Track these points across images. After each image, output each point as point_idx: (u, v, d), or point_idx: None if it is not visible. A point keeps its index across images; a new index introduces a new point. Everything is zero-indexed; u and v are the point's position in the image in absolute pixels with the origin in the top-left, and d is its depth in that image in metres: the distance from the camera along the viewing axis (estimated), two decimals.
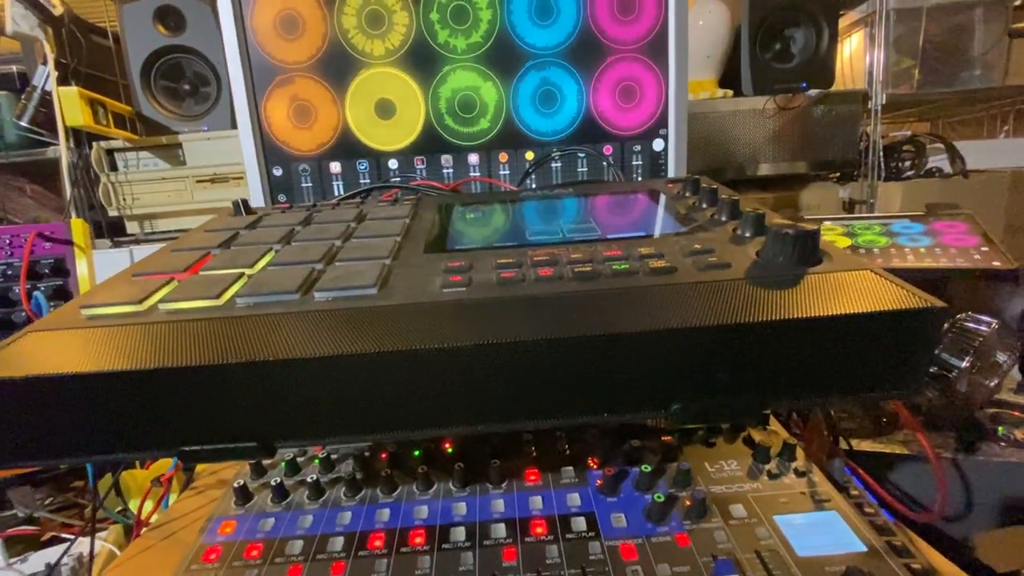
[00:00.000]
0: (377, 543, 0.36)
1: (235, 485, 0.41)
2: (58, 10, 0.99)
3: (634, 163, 0.60)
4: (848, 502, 0.38)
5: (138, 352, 0.24)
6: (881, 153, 1.13)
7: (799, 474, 0.40)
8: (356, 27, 0.56)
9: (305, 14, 0.56)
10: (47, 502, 0.75)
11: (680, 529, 0.36)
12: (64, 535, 0.61)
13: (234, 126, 1.11)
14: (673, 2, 0.56)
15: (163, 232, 1.12)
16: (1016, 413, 0.64)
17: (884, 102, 1.10)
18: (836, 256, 0.29)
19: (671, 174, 0.60)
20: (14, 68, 1.07)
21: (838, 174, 1.23)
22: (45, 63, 1.02)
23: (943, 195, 1.06)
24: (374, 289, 0.28)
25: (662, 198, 0.42)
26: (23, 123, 1.00)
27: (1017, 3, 1.13)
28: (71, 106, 0.89)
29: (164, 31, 1.06)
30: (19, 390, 0.23)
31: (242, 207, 0.44)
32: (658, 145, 0.60)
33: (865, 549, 0.34)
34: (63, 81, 1.02)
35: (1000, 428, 0.62)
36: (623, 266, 0.28)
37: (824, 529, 0.36)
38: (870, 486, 0.46)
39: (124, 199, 1.07)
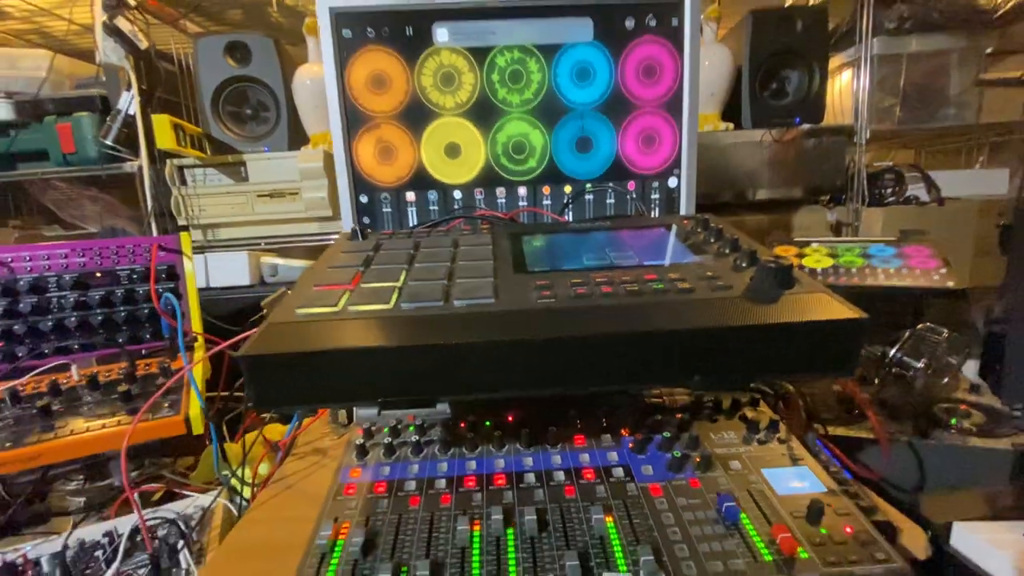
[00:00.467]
0: (471, 483, 0.50)
1: (356, 443, 0.55)
2: (143, 44, 1.13)
3: (653, 197, 0.74)
4: (817, 462, 0.51)
5: (345, 337, 0.37)
6: (865, 181, 1.27)
7: (781, 442, 0.54)
8: (432, 85, 0.70)
9: (392, 74, 0.70)
10: (133, 474, 0.88)
11: (693, 476, 0.49)
12: (185, 492, 0.74)
13: (291, 148, 1.25)
14: (688, 70, 0.70)
15: (224, 240, 1.25)
16: (964, 407, 0.78)
17: (868, 137, 1.25)
18: (804, 282, 0.43)
19: (683, 206, 0.73)
20: (96, 92, 1.21)
21: (827, 199, 1.37)
22: (128, 89, 1.16)
23: (920, 221, 1.20)
24: (492, 299, 0.41)
25: (680, 233, 0.56)
26: (107, 142, 1.14)
27: (989, 51, 1.27)
28: (162, 130, 1.02)
29: (232, 63, 1.20)
30: (282, 361, 0.36)
31: (359, 234, 0.58)
32: (672, 182, 0.74)
33: (826, 490, 0.47)
34: (144, 106, 1.16)
35: (953, 419, 0.76)
36: (659, 286, 0.42)
37: (798, 477, 0.49)
38: (836, 454, 0.60)
39: (192, 210, 1.21)
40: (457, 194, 0.73)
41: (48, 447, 0.59)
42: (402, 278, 0.46)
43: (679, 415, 0.57)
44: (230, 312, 0.99)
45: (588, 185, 0.73)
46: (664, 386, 0.37)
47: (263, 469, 0.67)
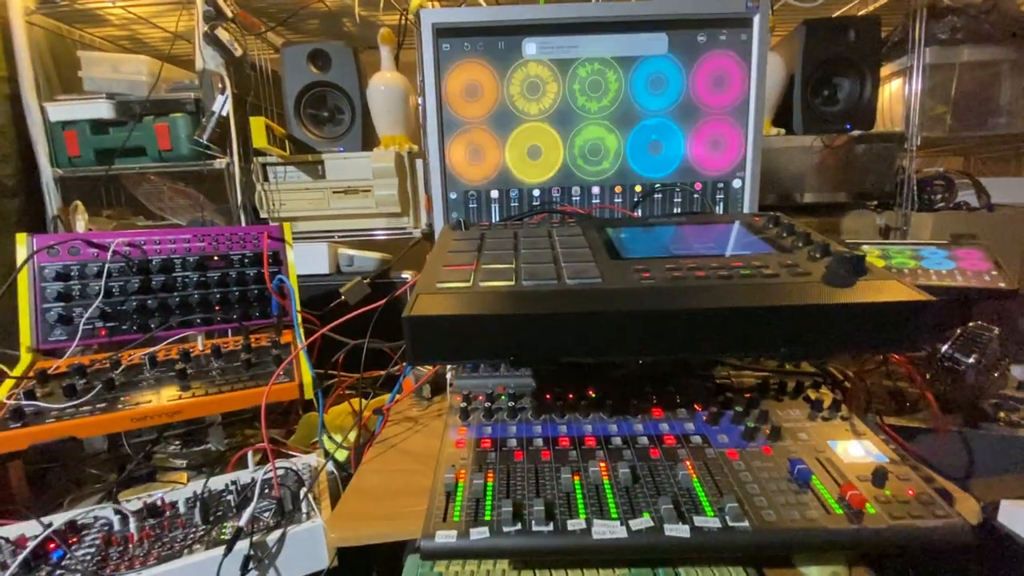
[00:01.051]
0: (565, 443, 0.57)
1: (459, 406, 0.62)
2: (239, 52, 1.24)
3: (718, 197, 0.80)
4: (877, 437, 0.57)
5: (486, 306, 0.45)
6: (915, 187, 1.30)
7: (843, 419, 0.59)
8: (519, 93, 0.78)
9: (483, 83, 0.77)
10: (226, 441, 0.98)
11: (765, 444, 0.55)
12: (290, 453, 0.83)
13: (364, 148, 1.34)
14: (755, 80, 0.76)
15: (301, 232, 1.35)
16: (1013, 403, 0.81)
17: (919, 143, 1.27)
18: (875, 271, 0.49)
19: (746, 206, 0.79)
20: (192, 95, 1.33)
21: (875, 203, 1.40)
22: (223, 92, 1.27)
23: (969, 226, 1.23)
24: (599, 280, 0.48)
25: (753, 228, 0.62)
26: (203, 141, 1.25)
27: None
28: (258, 131, 1.13)
29: (314, 69, 1.30)
30: (438, 322, 0.44)
31: (463, 224, 0.66)
32: (736, 184, 0.80)
33: (888, 460, 0.53)
34: (236, 108, 1.27)
35: (1001, 413, 0.80)
36: (746, 271, 0.48)
37: (861, 448, 0.55)
38: (892, 436, 0.65)
39: (273, 204, 1.32)
40: (536, 192, 0.80)
41: (188, 404, 0.68)
42: (514, 261, 0.54)
43: (748, 394, 0.63)
44: (310, 297, 1.08)
45: (657, 185, 0.79)
46: (754, 356, 0.43)
47: (353, 437, 0.75)
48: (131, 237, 0.82)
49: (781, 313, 0.43)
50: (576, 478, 0.51)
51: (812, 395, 0.63)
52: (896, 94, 1.43)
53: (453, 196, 0.80)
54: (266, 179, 1.32)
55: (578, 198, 0.80)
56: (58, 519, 0.65)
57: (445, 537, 0.45)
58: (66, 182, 1.41)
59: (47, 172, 1.38)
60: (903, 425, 0.77)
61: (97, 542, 0.62)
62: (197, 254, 0.85)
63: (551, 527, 0.46)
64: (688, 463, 0.52)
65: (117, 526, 0.64)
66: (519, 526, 0.46)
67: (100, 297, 0.78)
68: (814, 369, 0.68)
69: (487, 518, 0.47)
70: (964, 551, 0.44)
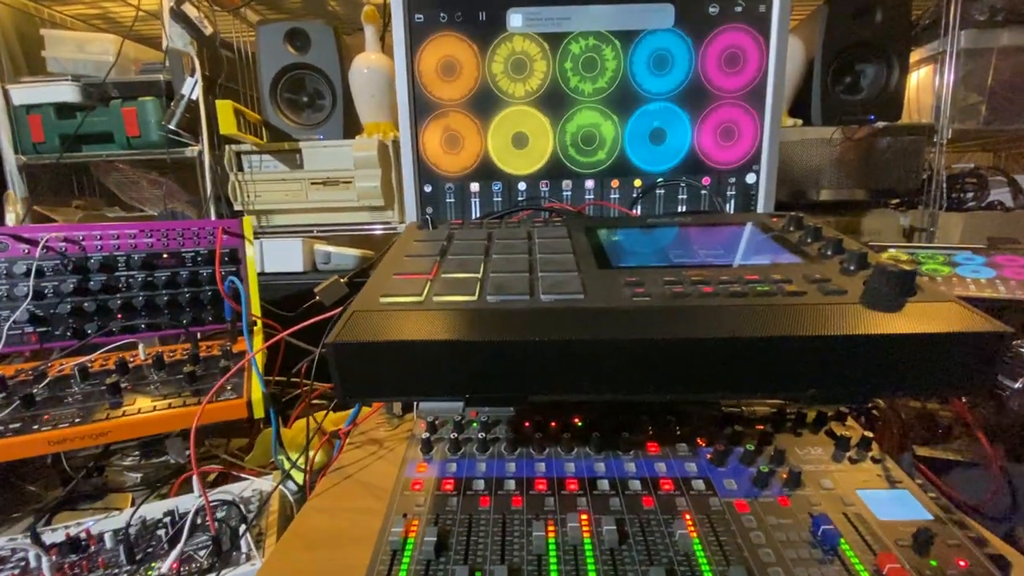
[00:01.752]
0: (542, 486, 0.47)
1: (420, 437, 0.53)
2: (208, 31, 1.14)
3: (728, 193, 0.70)
4: (916, 485, 0.47)
5: (437, 329, 0.35)
6: (944, 184, 1.19)
7: (875, 461, 0.50)
8: (503, 72, 0.68)
9: (462, 60, 0.68)
10: (186, 452, 0.89)
11: (781, 494, 0.46)
12: (243, 475, 0.74)
13: (346, 136, 1.25)
14: (774, 59, 0.66)
15: (278, 226, 1.26)
16: None
17: (950, 136, 1.16)
18: (928, 289, 0.39)
19: (761, 204, 0.69)
20: (161, 77, 1.23)
21: (898, 202, 1.29)
22: (192, 74, 1.18)
23: (1003, 228, 1.12)
24: (581, 295, 0.39)
25: (771, 231, 0.52)
26: (171, 127, 1.16)
27: None
28: (225, 115, 1.04)
29: (292, 50, 1.20)
30: (371, 351, 0.35)
31: (429, 223, 0.56)
32: (751, 178, 0.70)
33: (932, 518, 0.43)
34: (207, 92, 1.17)
35: None
36: (765, 288, 0.39)
37: (898, 502, 0.45)
38: (930, 479, 0.55)
39: (248, 196, 1.23)
40: (522, 186, 0.71)
41: (116, 424, 0.60)
42: (482, 270, 0.44)
43: (760, 427, 0.54)
44: (282, 297, 0.99)
45: (660, 179, 0.69)
46: (775, 398, 0.34)
47: (320, 457, 0.67)
48: (68, 231, 0.74)
49: (811, 345, 0.33)
50: (551, 535, 0.42)
51: (837, 430, 0.53)
52: (925, 82, 1.32)
53: (428, 189, 0.71)
54: (240, 169, 1.23)
55: (569, 193, 0.71)
56: None
57: None
58: (32, 170, 1.32)
59: (10, 159, 1.29)
60: (937, 458, 0.67)
61: None
62: (144, 251, 0.76)
63: None
64: (688, 517, 0.43)
65: (32, 563, 0.56)
66: None
67: (29, 299, 0.69)
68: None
69: None
70: None
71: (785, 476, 0.47)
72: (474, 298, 0.39)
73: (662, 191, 0.70)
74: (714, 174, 0.70)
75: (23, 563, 0.57)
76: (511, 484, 0.48)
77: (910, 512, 0.44)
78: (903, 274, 0.37)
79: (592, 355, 0.34)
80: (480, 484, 0.48)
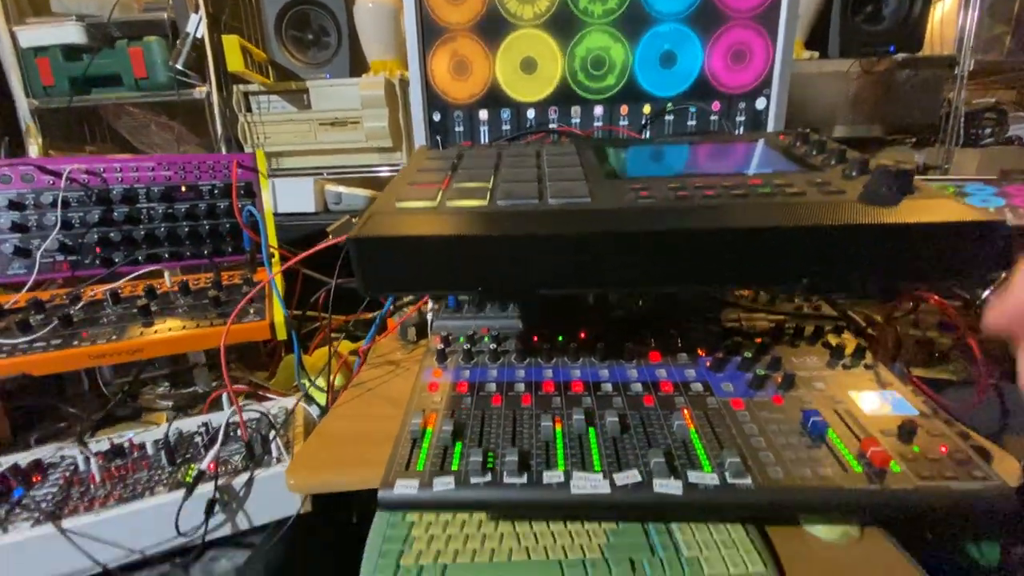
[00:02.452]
0: (549, 388, 0.51)
1: (436, 349, 0.56)
2: None
3: (738, 119, 0.70)
4: (907, 388, 0.50)
5: (451, 226, 0.38)
6: (962, 120, 1.16)
7: (868, 368, 0.52)
8: None
9: None
10: (214, 383, 0.94)
11: (775, 394, 0.49)
12: (269, 395, 0.79)
13: (353, 75, 1.24)
14: None
15: (288, 168, 1.28)
16: None
17: (971, 68, 1.13)
18: (925, 189, 0.40)
19: (770, 129, 0.69)
20: (165, 15, 1.22)
21: (914, 139, 1.27)
22: (196, 11, 1.16)
23: (1020, 162, 1.10)
24: (588, 199, 0.40)
25: (778, 146, 0.53)
26: (178, 66, 1.15)
27: None
28: (232, 52, 1.03)
29: None
30: (392, 245, 0.37)
31: (439, 143, 0.57)
32: (760, 104, 0.69)
33: (918, 413, 0.46)
34: (211, 30, 1.16)
35: None
36: (766, 190, 0.40)
37: (887, 401, 0.48)
38: (921, 388, 0.58)
39: (258, 137, 1.23)
40: (531, 113, 0.71)
41: (149, 341, 0.64)
42: (492, 181, 0.46)
43: (758, 339, 0.56)
44: (296, 238, 1.02)
45: (669, 104, 0.69)
46: (770, 287, 0.36)
47: (339, 381, 0.70)
48: (89, 163, 0.76)
49: (806, 235, 0.35)
50: (558, 425, 0.46)
51: (833, 341, 0.56)
52: (950, 15, 1.27)
53: (437, 118, 0.71)
54: (248, 110, 1.23)
55: (578, 120, 0.71)
56: (23, 458, 0.63)
57: (405, 487, 0.40)
58: (44, 116, 1.33)
59: (23, 103, 1.30)
60: (932, 377, 0.70)
61: (60, 482, 0.60)
62: (163, 184, 0.78)
63: (524, 479, 0.40)
64: (686, 412, 0.46)
65: (82, 467, 0.61)
66: (489, 477, 0.41)
67: (57, 228, 0.72)
68: (836, 313, 0.61)
69: (454, 467, 0.42)
70: (1002, 516, 0.38)
71: (780, 380, 0.50)
72: (485, 202, 0.41)
73: (671, 117, 0.70)
74: (724, 99, 0.70)
75: (72, 467, 0.62)
76: (520, 386, 0.51)
77: (898, 409, 0.47)
78: (902, 173, 0.38)
79: (597, 249, 0.36)
80: (492, 387, 0.51)
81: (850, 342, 0.55)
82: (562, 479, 0.40)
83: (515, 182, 0.44)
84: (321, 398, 0.73)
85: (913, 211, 0.36)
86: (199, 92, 1.23)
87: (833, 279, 0.36)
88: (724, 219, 0.36)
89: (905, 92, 1.15)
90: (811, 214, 0.36)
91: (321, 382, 0.73)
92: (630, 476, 0.40)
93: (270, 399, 0.79)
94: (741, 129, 0.70)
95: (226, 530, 0.60)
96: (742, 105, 0.69)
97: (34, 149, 1.10)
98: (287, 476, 0.48)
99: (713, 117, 0.69)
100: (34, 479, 0.60)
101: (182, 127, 1.35)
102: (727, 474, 0.40)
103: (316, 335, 0.87)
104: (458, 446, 0.44)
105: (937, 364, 0.73)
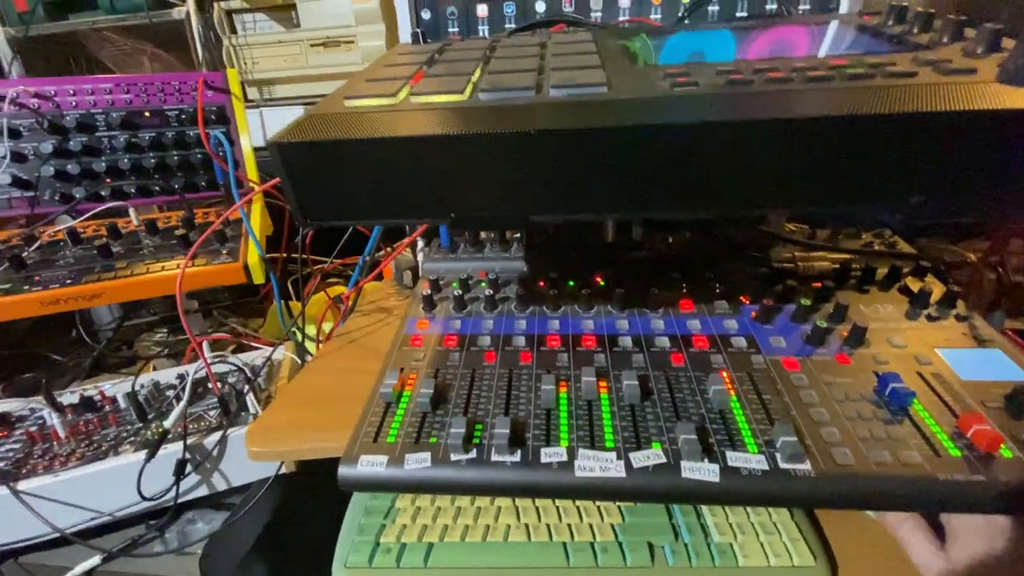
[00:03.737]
0: (554, 343, 0.42)
1: (422, 294, 0.47)
2: None
3: (801, 5, 0.55)
4: (1011, 343, 0.39)
5: (410, 127, 0.27)
6: None
7: (960, 319, 0.41)
8: None
9: None
10: (209, 329, 0.89)
11: (840, 351, 0.39)
12: (253, 344, 0.73)
13: None
14: None
15: (282, 98, 1.16)
16: None
17: None
18: None
19: (844, 9, 0.54)
20: None
21: None
22: None
23: None
24: (604, 88, 0.29)
25: (863, 28, 0.40)
26: None
27: None
28: None
29: None
30: (326, 152, 0.27)
31: (420, 37, 0.46)
32: None
33: None
34: None
35: None
36: (858, 70, 0.28)
37: (988, 361, 0.37)
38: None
39: (245, 63, 1.11)
40: (541, 6, 0.58)
41: (109, 286, 0.56)
42: (477, 73, 0.35)
43: (817, 284, 0.45)
44: None
45: None
46: (863, 208, 0.25)
47: (327, 327, 0.63)
48: (37, 86, 0.66)
49: (923, 132, 0.24)
50: (562, 389, 0.37)
51: (914, 286, 0.44)
52: None
53: (426, 16, 0.59)
54: (233, 31, 1.10)
55: (599, 13, 0.58)
56: None
57: (371, 464, 0.33)
58: (23, 48, 1.23)
59: None
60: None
61: (23, 438, 0.55)
62: (122, 108, 0.69)
63: (517, 456, 0.32)
64: (725, 374, 0.37)
65: (49, 421, 0.56)
66: (473, 453, 0.32)
67: (7, 160, 0.64)
68: (916, 251, 0.49)
69: (432, 440, 0.34)
70: None
71: (846, 334, 0.40)
72: (462, 97, 0.30)
73: (716, 6, 0.56)
74: None
75: (40, 420, 0.57)
76: (520, 340, 0.42)
77: (1003, 373, 0.36)
78: None
79: (610, 153, 0.26)
80: (486, 340, 0.43)
81: (936, 287, 0.44)
82: (564, 458, 0.32)
83: (506, 73, 0.33)
84: (313, 347, 0.66)
85: None
86: (177, 12, 1.10)
87: (958, 197, 0.25)
88: (798, 108, 0.24)
89: None
90: (929, 100, 0.24)
91: (312, 330, 0.66)
92: (651, 456, 0.31)
93: (257, 348, 0.73)
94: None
95: (202, 490, 0.55)
96: None
97: None
98: (247, 444, 0.41)
99: (771, 5, 0.55)
100: (0, 434, 0.56)
101: (169, 56, 1.24)
102: (779, 456, 0.31)
103: (311, 279, 0.79)
104: (438, 415, 0.35)
105: None
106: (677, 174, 0.26)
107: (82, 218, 0.66)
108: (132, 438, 0.54)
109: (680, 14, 0.56)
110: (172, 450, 0.52)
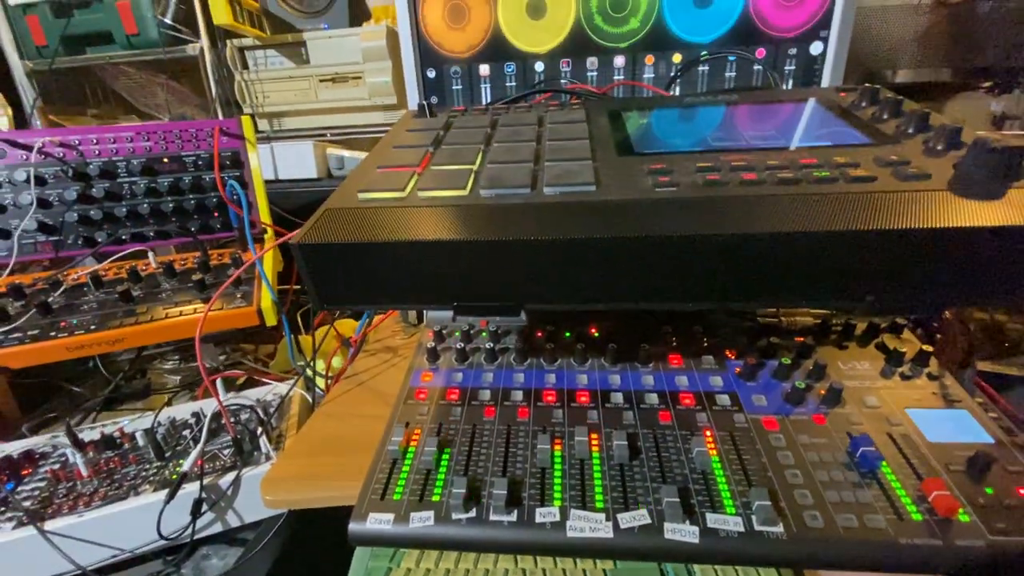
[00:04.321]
0: (550, 398, 0.44)
1: (427, 346, 0.50)
2: None
3: (787, 68, 0.58)
4: (978, 405, 0.41)
5: (417, 228, 0.30)
6: None
7: (932, 378, 0.44)
8: None
9: None
10: (221, 358, 0.92)
11: (817, 411, 0.41)
12: (264, 380, 0.76)
13: (351, 24, 1.13)
14: None
15: (291, 130, 1.20)
16: None
17: None
18: None
19: (826, 80, 0.58)
20: None
21: (990, 84, 1.09)
22: None
23: None
24: (592, 186, 0.32)
25: (838, 108, 0.43)
26: (167, 20, 1.07)
27: None
28: (217, 4, 0.94)
29: None
30: (343, 252, 0.30)
31: (427, 110, 0.49)
32: (816, 48, 0.57)
33: (993, 441, 0.38)
34: None
35: None
36: (823, 173, 0.31)
37: (954, 423, 0.40)
38: (993, 397, 0.49)
39: (256, 97, 1.15)
40: (539, 66, 0.61)
41: (131, 332, 0.60)
42: (479, 160, 0.38)
43: (799, 339, 0.48)
44: (299, 206, 0.96)
45: (704, 52, 0.58)
46: (822, 308, 0.28)
47: (337, 362, 0.66)
48: (63, 136, 0.70)
49: (877, 241, 0.27)
50: (557, 447, 0.40)
51: (890, 343, 0.47)
52: None
53: (431, 75, 0.62)
54: (245, 67, 1.15)
55: (595, 73, 0.61)
56: (16, 448, 0.61)
57: (379, 522, 0.35)
58: (41, 78, 1.28)
59: (17, 65, 1.25)
60: (999, 372, 0.61)
61: (48, 476, 0.58)
62: (143, 156, 0.73)
63: (514, 516, 0.35)
64: (708, 434, 0.40)
65: (72, 459, 0.59)
66: (473, 512, 0.35)
67: (33, 207, 0.68)
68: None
69: (435, 498, 0.37)
70: None
71: (824, 392, 0.42)
72: (464, 193, 0.33)
73: (706, 68, 0.59)
74: (771, 44, 0.58)
75: (63, 458, 0.60)
76: (518, 395, 0.45)
77: (967, 434, 0.39)
78: (1007, 152, 0.29)
79: (598, 257, 0.29)
80: (486, 394, 0.45)
81: (911, 344, 0.47)
82: (557, 518, 0.34)
83: (504, 163, 0.36)
84: (322, 382, 0.69)
85: None
86: (192, 48, 1.14)
87: (906, 295, 0.28)
88: (766, 221, 0.27)
89: (984, 28, 0.98)
90: (886, 212, 0.27)
91: (321, 366, 0.69)
92: (637, 517, 0.34)
93: (268, 383, 0.76)
94: (790, 82, 0.59)
95: (217, 527, 0.58)
96: (793, 51, 0.58)
97: (2, 121, 1.05)
98: (262, 493, 0.44)
99: (757, 67, 0.58)
100: (24, 472, 0.59)
101: (183, 88, 1.28)
102: (754, 519, 0.33)
103: (316, 313, 0.82)
104: (441, 472, 0.38)
105: (1007, 356, 0.63)
106: (659, 273, 0.29)
107: (106, 262, 0.69)
108: (152, 477, 0.57)
109: (672, 74, 0.59)
110: (189, 489, 0.55)
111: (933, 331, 0.52)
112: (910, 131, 0.37)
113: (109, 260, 0.70)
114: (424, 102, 0.49)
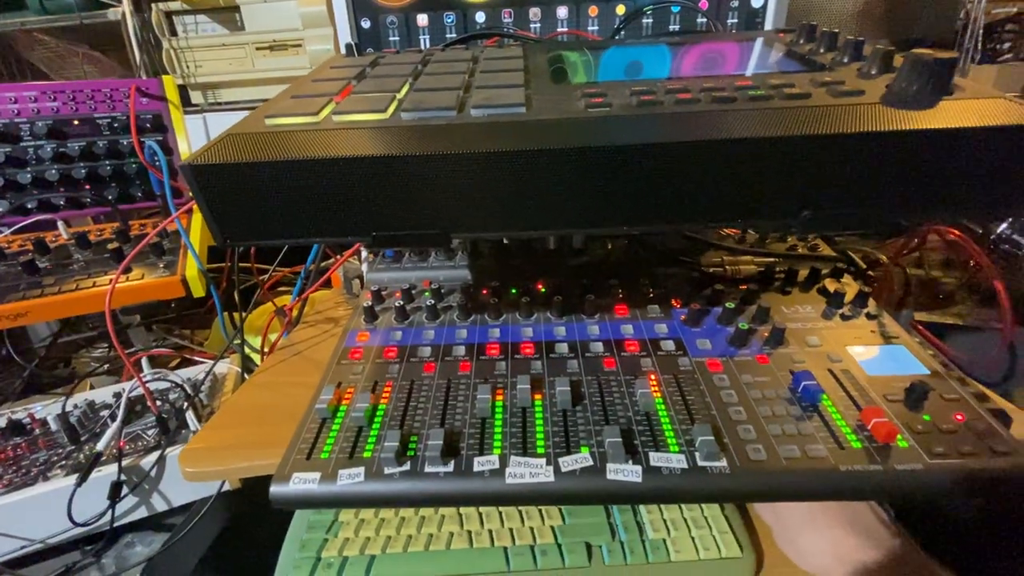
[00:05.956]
0: (493, 351, 0.42)
1: (364, 305, 0.47)
2: None
3: (729, 21, 0.58)
4: (914, 340, 0.42)
5: (329, 148, 0.27)
6: (981, 32, 1.03)
7: (870, 317, 0.44)
8: None
9: None
10: (153, 343, 0.86)
11: (760, 352, 0.41)
12: (197, 358, 0.71)
13: None
14: None
15: (228, 102, 1.13)
16: None
17: None
18: (968, 88, 0.30)
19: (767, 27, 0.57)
20: None
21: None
22: None
23: None
24: (523, 108, 0.30)
25: (777, 44, 0.42)
26: None
27: None
28: None
29: None
30: (243, 174, 0.27)
31: (354, 50, 0.46)
32: (757, 1, 0.57)
33: (929, 372, 0.38)
34: None
35: None
36: (759, 92, 0.30)
37: (892, 358, 0.40)
38: (928, 338, 0.51)
39: (187, 66, 1.08)
40: (480, 16, 0.58)
41: (35, 304, 0.54)
42: (404, 89, 0.35)
43: (743, 286, 0.48)
44: None
45: (648, 3, 0.57)
46: (755, 224, 0.27)
47: (274, 337, 0.62)
48: None
49: (811, 150, 0.26)
50: (499, 397, 0.38)
51: (831, 286, 0.47)
52: None
53: (365, 24, 0.59)
54: (173, 33, 1.07)
55: (538, 24, 0.59)
56: None
57: (303, 481, 0.33)
58: None
59: None
60: (934, 321, 0.63)
61: None
62: (49, 117, 0.66)
63: (450, 467, 0.33)
64: (652, 377, 0.38)
65: None
66: (407, 466, 0.33)
67: None
68: (835, 253, 0.52)
69: (366, 455, 0.34)
70: None
71: (767, 334, 0.42)
72: (384, 116, 0.30)
73: (650, 19, 0.58)
74: None
75: None
76: (460, 350, 0.43)
77: (905, 367, 0.39)
78: (938, 64, 0.28)
79: (526, 175, 0.27)
80: (427, 351, 0.43)
81: (851, 287, 0.47)
82: (496, 466, 0.32)
83: (430, 90, 0.33)
84: (259, 359, 0.65)
85: (960, 114, 0.26)
86: (113, 13, 1.06)
87: (843, 210, 0.27)
88: (699, 130, 0.26)
89: (918, 0, 1.01)
90: (819, 122, 0.26)
91: (257, 341, 0.65)
92: (579, 460, 0.33)
93: (202, 362, 0.71)
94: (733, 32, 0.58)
95: (142, 512, 0.54)
96: (735, 3, 0.57)
97: None
98: (181, 464, 0.40)
99: (701, 19, 0.57)
100: None
101: (107, 59, 1.18)
102: (697, 455, 0.32)
103: (259, 289, 0.77)
104: (375, 429, 0.36)
105: (941, 306, 0.65)
106: (589, 193, 0.27)
107: (5, 232, 0.62)
108: (63, 462, 0.52)
109: (616, 25, 0.58)
110: (107, 472, 0.50)
111: (871, 281, 0.53)
112: (845, 60, 0.36)
113: (11, 230, 0.63)
114: (353, 42, 0.45)
